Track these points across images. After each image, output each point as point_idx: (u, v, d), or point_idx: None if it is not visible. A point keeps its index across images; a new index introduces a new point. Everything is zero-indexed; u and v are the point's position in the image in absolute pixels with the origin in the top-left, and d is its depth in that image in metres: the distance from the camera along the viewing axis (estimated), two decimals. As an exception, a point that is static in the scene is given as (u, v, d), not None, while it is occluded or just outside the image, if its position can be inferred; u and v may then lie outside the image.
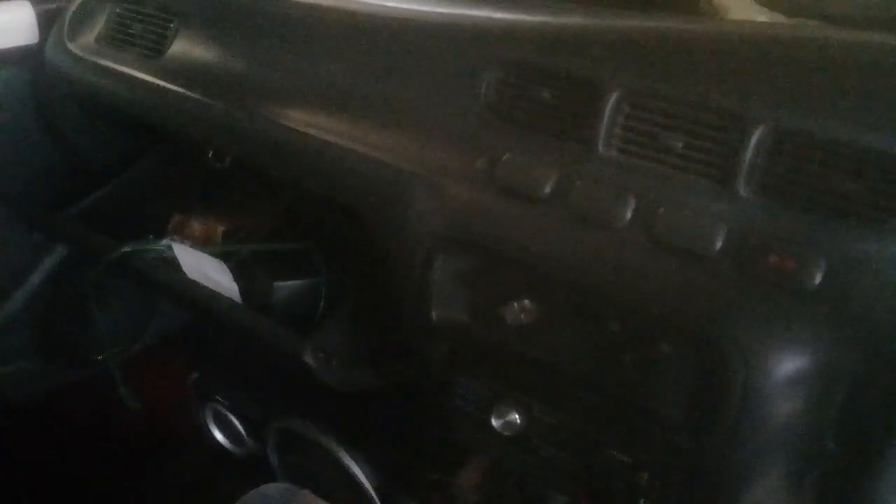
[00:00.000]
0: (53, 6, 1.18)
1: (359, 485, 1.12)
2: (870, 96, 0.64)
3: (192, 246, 1.04)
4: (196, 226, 1.11)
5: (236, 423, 1.32)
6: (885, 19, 0.84)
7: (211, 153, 0.98)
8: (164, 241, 1.04)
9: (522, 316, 0.77)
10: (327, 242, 1.02)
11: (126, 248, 1.03)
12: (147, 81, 1.02)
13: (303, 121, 0.90)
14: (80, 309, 1.15)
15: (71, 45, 1.12)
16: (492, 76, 0.80)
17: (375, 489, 1.11)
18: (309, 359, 0.88)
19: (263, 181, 1.14)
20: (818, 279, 0.62)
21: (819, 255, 0.62)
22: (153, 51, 1.04)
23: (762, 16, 0.85)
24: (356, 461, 1.12)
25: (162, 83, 1.01)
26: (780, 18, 0.85)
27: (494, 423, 0.81)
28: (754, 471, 0.68)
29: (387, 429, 1.12)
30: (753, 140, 0.66)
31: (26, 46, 1.16)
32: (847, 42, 0.69)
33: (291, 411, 1.19)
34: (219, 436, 1.38)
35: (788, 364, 0.64)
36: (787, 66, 0.68)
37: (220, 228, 1.11)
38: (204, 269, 0.98)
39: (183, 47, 1.02)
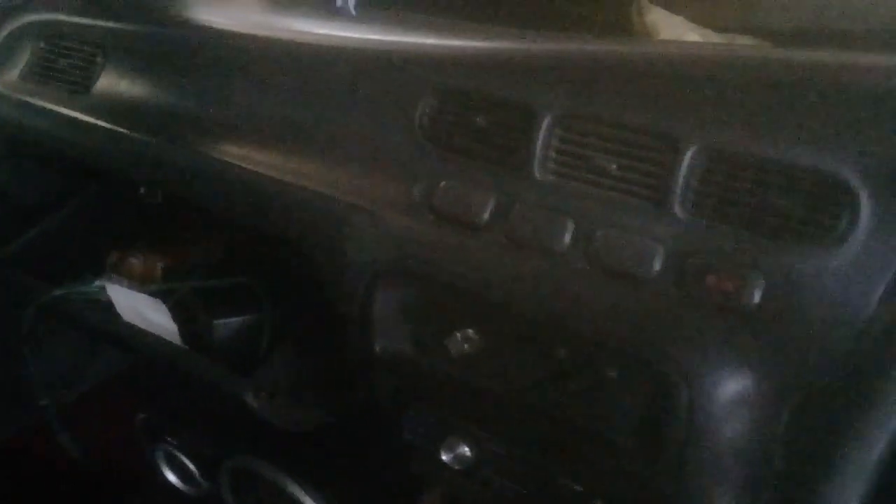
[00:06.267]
0: (-25, 42, 1.14)
1: (314, 522, 1.09)
2: (799, 113, 0.64)
3: (129, 285, 1.00)
4: (135, 263, 1.07)
5: (188, 463, 1.27)
6: (815, 33, 0.85)
7: (143, 189, 0.95)
8: (98, 283, 1.00)
9: (466, 346, 0.75)
10: (269, 277, 0.99)
11: (57, 292, 0.99)
12: (74, 118, 0.99)
13: (235, 153, 0.88)
14: (14, 354, 1.10)
15: (-6, 83, 1.08)
16: (426, 103, 0.79)
17: (332, 525, 1.09)
18: (250, 399, 0.85)
19: (205, 216, 1.11)
20: (757, 298, 0.62)
21: (757, 274, 0.62)
22: (79, 86, 1.02)
23: (693, 33, 0.85)
24: (312, 498, 1.10)
25: (89, 119, 0.98)
26: (710, 34, 0.85)
27: (444, 456, 0.80)
28: (706, 493, 0.67)
29: (341, 464, 1.09)
30: (686, 160, 0.66)
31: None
32: (775, 60, 0.69)
33: (244, 449, 1.15)
34: (171, 477, 1.33)
35: (732, 384, 0.63)
36: (716, 87, 0.68)
37: (160, 265, 1.07)
38: (141, 309, 0.95)
39: (110, 82, 0.99)
